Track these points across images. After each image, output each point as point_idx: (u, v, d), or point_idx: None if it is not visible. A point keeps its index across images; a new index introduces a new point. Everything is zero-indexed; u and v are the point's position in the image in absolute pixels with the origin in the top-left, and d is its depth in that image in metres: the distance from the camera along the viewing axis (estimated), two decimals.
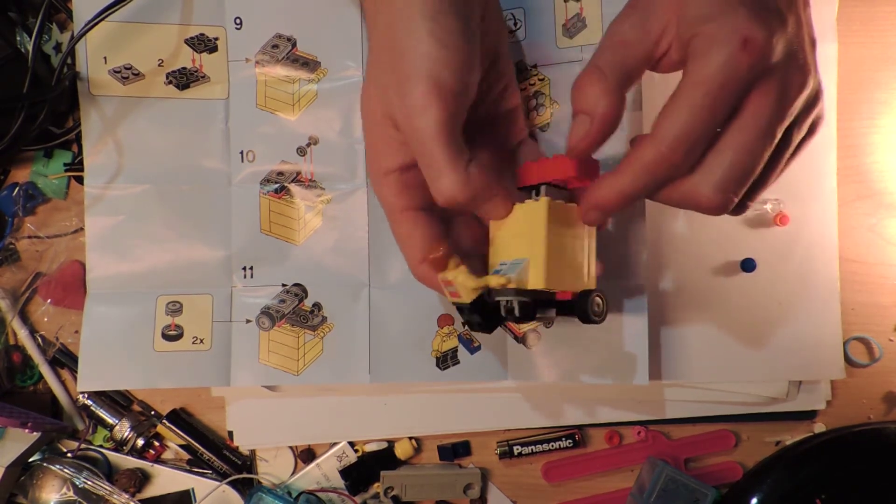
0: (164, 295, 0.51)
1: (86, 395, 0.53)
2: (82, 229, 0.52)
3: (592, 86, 0.35)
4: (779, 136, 0.35)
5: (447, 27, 0.36)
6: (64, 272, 0.53)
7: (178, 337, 0.50)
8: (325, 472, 0.54)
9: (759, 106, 0.34)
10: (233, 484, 0.53)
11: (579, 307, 0.39)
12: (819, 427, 0.54)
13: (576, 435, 0.54)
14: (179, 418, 0.54)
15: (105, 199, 0.51)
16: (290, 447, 0.54)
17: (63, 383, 0.54)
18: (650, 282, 0.51)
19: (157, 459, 0.54)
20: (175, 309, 0.51)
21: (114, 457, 0.53)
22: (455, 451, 0.55)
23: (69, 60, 0.50)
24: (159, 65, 0.51)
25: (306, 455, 0.54)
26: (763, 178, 0.37)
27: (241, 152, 0.51)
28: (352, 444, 0.54)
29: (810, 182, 0.53)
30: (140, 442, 0.53)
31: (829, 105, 0.53)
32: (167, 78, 0.51)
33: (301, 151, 0.51)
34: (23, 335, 0.53)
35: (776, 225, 0.52)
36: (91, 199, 0.51)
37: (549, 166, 0.39)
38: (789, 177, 0.52)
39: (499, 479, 0.55)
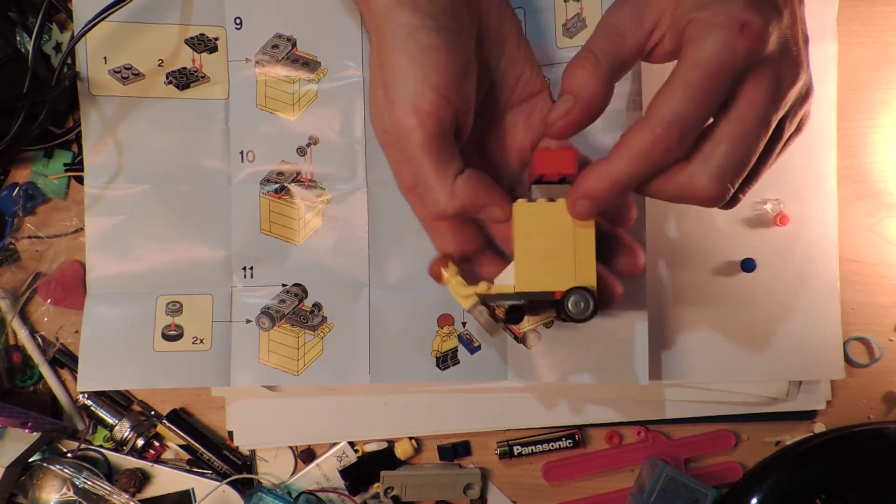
0: (164, 295, 0.51)
1: (86, 395, 0.53)
2: (82, 229, 0.52)
3: (584, 69, 0.35)
4: (773, 125, 0.35)
5: (424, 44, 0.35)
6: (64, 272, 0.53)
7: (178, 337, 0.50)
8: (325, 472, 0.54)
9: (754, 95, 0.34)
10: (233, 484, 0.53)
11: (559, 306, 0.38)
12: (819, 427, 0.54)
13: (576, 435, 0.54)
14: (179, 418, 0.54)
15: (105, 199, 0.51)
16: (290, 447, 0.54)
17: (63, 383, 0.54)
18: (650, 282, 0.51)
19: (157, 459, 0.54)
20: (175, 309, 0.51)
21: (114, 457, 0.53)
22: (455, 451, 0.55)
23: (69, 60, 0.50)
24: (159, 65, 0.51)
25: (306, 455, 0.54)
26: (755, 170, 0.37)
27: (241, 152, 0.51)
28: (352, 444, 0.54)
29: (810, 182, 0.53)
30: (140, 442, 0.53)
31: (829, 105, 0.53)
32: (167, 78, 0.51)
33: (301, 151, 0.51)
34: (23, 335, 0.53)
35: (776, 225, 0.52)
36: (91, 199, 0.51)
37: (536, 159, 0.38)
38: (789, 177, 0.52)
39: (499, 479, 0.55)
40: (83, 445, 0.53)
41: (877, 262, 0.55)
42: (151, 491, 0.53)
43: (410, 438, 0.54)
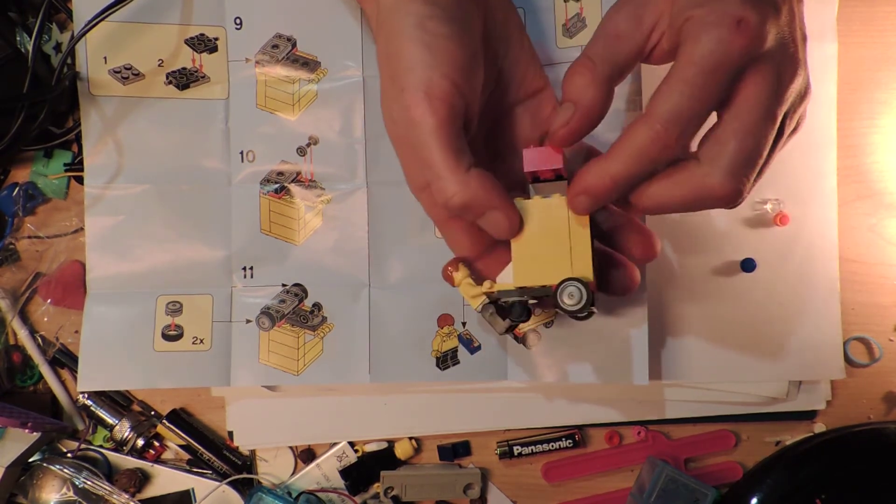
0: (164, 295, 0.51)
1: (86, 395, 0.53)
2: (82, 229, 0.52)
3: (582, 76, 0.35)
4: (779, 119, 0.35)
5: (434, 32, 0.36)
6: (64, 272, 0.53)
7: (178, 337, 0.50)
8: (325, 472, 0.54)
9: (755, 90, 0.34)
10: (233, 484, 0.53)
11: (553, 299, 0.38)
12: (819, 427, 0.54)
13: (576, 435, 0.54)
14: (179, 418, 0.54)
15: (105, 199, 0.51)
16: (290, 447, 0.54)
17: (63, 383, 0.54)
18: (650, 282, 0.51)
19: (157, 459, 0.54)
20: (175, 309, 0.51)
21: (114, 457, 0.53)
22: (455, 451, 0.55)
23: (69, 60, 0.50)
24: (159, 65, 0.51)
25: (306, 455, 0.54)
26: (762, 165, 0.36)
27: (241, 152, 0.51)
28: (352, 444, 0.54)
29: (810, 182, 0.52)
30: (140, 442, 0.53)
31: (828, 105, 0.53)
32: (167, 78, 0.51)
33: (301, 151, 0.51)
34: (23, 335, 0.53)
35: (776, 225, 0.52)
36: (91, 199, 0.51)
37: (524, 159, 0.38)
38: (789, 177, 0.52)
39: (499, 479, 0.55)
40: (83, 445, 0.53)
41: (877, 262, 0.55)
42: (151, 491, 0.53)
43: (410, 438, 0.54)
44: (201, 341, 0.50)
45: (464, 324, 0.50)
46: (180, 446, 0.54)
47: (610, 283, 0.41)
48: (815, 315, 0.52)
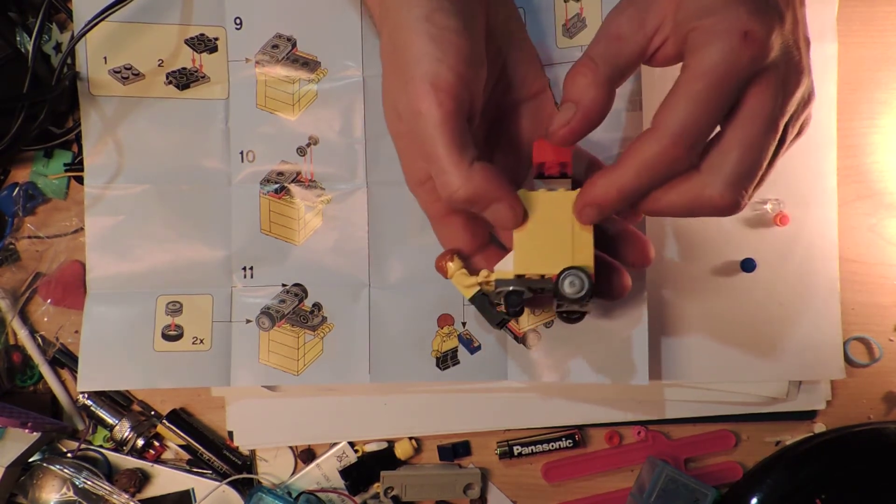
0: (164, 295, 0.51)
1: (86, 395, 0.53)
2: (82, 229, 0.52)
3: (584, 76, 0.35)
4: (781, 128, 0.35)
5: (441, 25, 0.36)
6: (64, 272, 0.53)
7: (178, 337, 0.50)
8: (325, 472, 0.54)
9: (759, 101, 0.34)
10: (233, 484, 0.53)
11: (554, 287, 0.38)
12: (819, 427, 0.54)
13: (576, 435, 0.54)
14: (179, 418, 0.54)
15: (105, 199, 0.51)
16: (290, 447, 0.54)
17: (63, 383, 0.54)
18: (650, 282, 0.51)
19: (157, 459, 0.54)
20: (175, 309, 0.51)
21: (114, 457, 0.53)
22: (455, 451, 0.55)
23: (69, 60, 0.50)
24: (159, 65, 0.51)
25: (306, 455, 0.54)
26: (763, 174, 0.37)
27: (241, 152, 0.51)
28: (352, 444, 0.54)
29: (810, 182, 0.53)
30: (140, 442, 0.53)
31: (828, 105, 0.53)
32: (167, 78, 0.51)
33: (301, 151, 0.51)
34: (23, 335, 0.53)
35: (776, 225, 0.52)
36: (91, 199, 0.51)
37: (534, 150, 0.39)
38: (789, 177, 0.52)
39: (499, 479, 0.55)
40: (83, 445, 0.53)
41: (877, 262, 0.55)
42: (151, 491, 0.53)
43: (410, 438, 0.54)
44: (201, 341, 0.50)
45: (464, 324, 0.50)
46: (180, 446, 0.54)
47: (603, 287, 0.41)
48: (815, 315, 0.52)
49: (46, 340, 0.54)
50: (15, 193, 0.53)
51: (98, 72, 0.50)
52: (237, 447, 0.54)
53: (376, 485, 0.54)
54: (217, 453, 0.53)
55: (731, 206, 0.35)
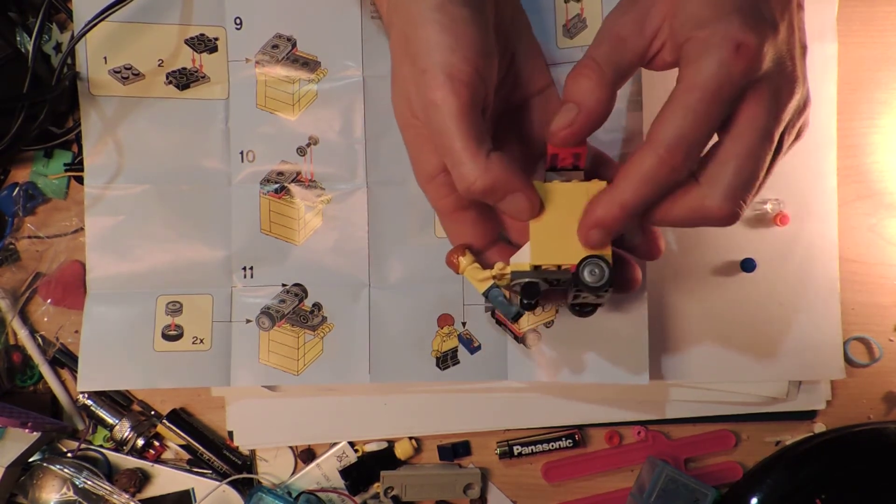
0: (164, 295, 0.51)
1: (86, 395, 0.53)
2: (82, 229, 0.52)
3: (587, 77, 0.35)
4: (776, 139, 0.35)
5: (455, 16, 0.36)
6: (64, 272, 0.53)
7: (178, 337, 0.50)
8: (325, 472, 0.54)
9: (754, 112, 0.34)
10: (233, 484, 0.53)
11: (574, 277, 0.38)
12: (819, 427, 0.54)
13: (576, 435, 0.54)
14: (179, 418, 0.54)
15: (105, 199, 0.51)
16: (290, 447, 0.54)
17: (63, 383, 0.54)
18: (650, 282, 0.51)
19: (157, 459, 0.54)
20: (175, 309, 0.51)
21: (114, 457, 0.53)
22: (455, 451, 0.55)
23: (69, 60, 0.50)
24: (159, 65, 0.51)
25: (306, 455, 0.54)
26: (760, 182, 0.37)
27: (241, 152, 0.51)
28: (352, 444, 0.54)
29: (810, 182, 0.53)
30: (140, 442, 0.53)
31: (828, 105, 0.53)
32: (167, 78, 0.51)
33: (301, 151, 0.51)
34: (23, 335, 0.53)
35: (776, 225, 0.52)
36: (91, 199, 0.51)
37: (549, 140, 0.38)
38: (789, 177, 0.52)
39: (499, 479, 0.55)
40: (83, 445, 0.53)
41: (877, 262, 0.55)
42: (151, 491, 0.53)
43: (410, 438, 0.54)
44: (201, 341, 0.50)
45: (464, 324, 0.50)
46: (180, 446, 0.54)
47: (634, 251, 0.41)
48: (815, 315, 0.52)
49: (46, 340, 0.54)
50: (15, 193, 0.53)
51: (98, 72, 0.50)
52: (237, 447, 0.54)
53: (376, 485, 0.54)
54: (217, 453, 0.53)
55: (729, 217, 0.35)
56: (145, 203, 0.51)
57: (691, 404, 0.54)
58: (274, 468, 0.54)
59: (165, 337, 0.50)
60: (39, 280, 0.53)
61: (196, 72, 0.51)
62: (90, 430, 0.54)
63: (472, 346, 0.50)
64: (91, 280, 0.51)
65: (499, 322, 0.50)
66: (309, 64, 0.51)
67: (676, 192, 0.36)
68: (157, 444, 0.54)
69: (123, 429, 0.53)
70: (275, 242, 0.51)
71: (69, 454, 0.53)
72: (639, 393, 0.53)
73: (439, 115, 0.35)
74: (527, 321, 0.50)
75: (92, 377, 0.50)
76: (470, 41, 0.36)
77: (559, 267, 0.38)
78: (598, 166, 0.42)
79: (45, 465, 0.51)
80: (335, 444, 0.54)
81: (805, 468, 0.51)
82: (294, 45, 0.51)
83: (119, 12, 0.48)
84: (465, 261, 0.41)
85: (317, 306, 0.51)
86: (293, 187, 0.51)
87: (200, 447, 0.53)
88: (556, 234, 0.38)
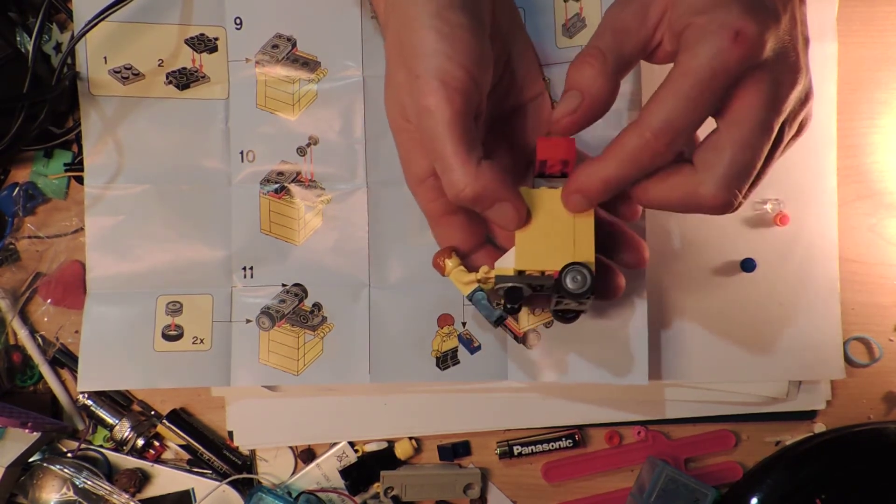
0: (164, 295, 0.51)
1: (86, 395, 0.53)
2: (82, 229, 0.52)
3: (591, 66, 0.35)
4: (776, 130, 0.35)
5: (452, 22, 0.36)
6: (64, 272, 0.53)
7: (178, 337, 0.50)
8: (325, 472, 0.54)
9: (751, 100, 0.34)
10: (233, 484, 0.53)
11: (556, 283, 0.38)
12: (819, 427, 0.54)
13: (576, 435, 0.54)
14: (179, 418, 0.54)
15: (105, 199, 0.51)
16: (290, 447, 0.54)
17: (63, 383, 0.54)
18: (650, 282, 0.51)
19: (157, 459, 0.54)
20: (175, 309, 0.51)
21: (114, 457, 0.53)
22: (455, 451, 0.55)
23: (69, 60, 0.50)
24: (159, 65, 0.51)
25: (306, 455, 0.54)
26: (758, 174, 0.37)
27: (241, 152, 0.51)
28: (352, 444, 0.54)
29: (810, 182, 0.53)
30: (140, 442, 0.53)
31: (828, 105, 0.53)
32: (167, 78, 0.51)
33: (301, 151, 0.51)
34: (23, 335, 0.53)
35: (776, 225, 0.52)
36: (91, 199, 0.51)
37: (538, 146, 0.38)
38: (789, 177, 0.52)
39: (499, 479, 0.55)
40: (83, 445, 0.53)
41: (877, 262, 0.55)
42: (151, 491, 0.53)
43: (410, 438, 0.54)
44: (201, 341, 0.50)
45: (464, 324, 0.50)
46: (180, 446, 0.54)
47: (598, 287, 0.41)
48: (815, 315, 0.52)
49: (46, 340, 0.54)
50: (15, 193, 0.53)
51: (98, 72, 0.50)
52: (237, 447, 0.54)
53: (376, 485, 0.54)
54: (217, 453, 0.53)
55: (723, 205, 0.35)
56: (145, 203, 0.51)
57: (691, 404, 0.54)
58: (274, 468, 0.54)
59: (165, 337, 0.50)
60: (39, 280, 0.53)
61: (196, 72, 0.51)
62: (90, 430, 0.54)
63: (472, 346, 0.50)
64: (91, 280, 0.51)
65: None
66: (309, 64, 0.51)
67: (671, 174, 0.36)
68: (157, 444, 0.54)
69: (123, 429, 0.53)
70: (275, 242, 0.51)
71: (69, 454, 0.53)
72: (639, 393, 0.53)
73: (432, 121, 0.35)
74: (527, 321, 0.50)
75: (92, 377, 0.50)
76: (466, 48, 0.36)
77: (543, 273, 0.39)
78: None
79: (45, 465, 0.51)
80: (335, 444, 0.54)
81: (805, 468, 0.51)
82: (294, 45, 0.51)
83: (119, 12, 0.48)
84: (451, 263, 0.41)
85: (317, 306, 0.51)
86: (293, 187, 0.51)
87: (200, 447, 0.53)
88: (541, 240, 0.39)
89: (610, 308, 0.49)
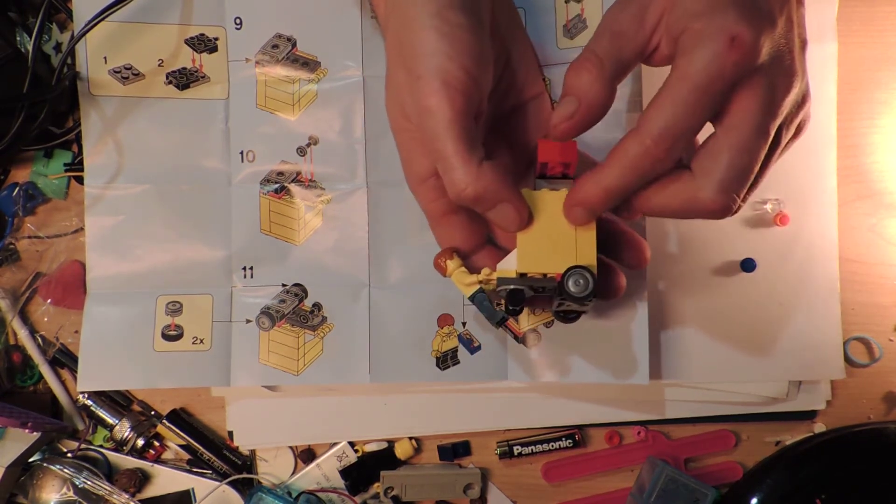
0: (164, 295, 0.51)
1: (86, 395, 0.53)
2: (82, 229, 0.52)
3: (588, 71, 0.35)
4: (772, 134, 0.35)
5: (453, 22, 0.36)
6: (64, 272, 0.53)
7: (178, 337, 0.50)
8: (325, 472, 0.54)
9: (749, 104, 0.34)
10: (233, 484, 0.53)
11: (559, 286, 0.38)
12: (819, 427, 0.54)
13: (576, 435, 0.54)
14: (179, 418, 0.54)
15: (105, 199, 0.51)
16: (290, 447, 0.54)
17: (63, 383, 0.54)
18: (650, 282, 0.51)
19: (157, 459, 0.54)
20: (175, 309, 0.51)
21: (114, 457, 0.53)
22: (455, 451, 0.55)
23: (69, 60, 0.50)
24: (159, 65, 0.51)
25: (306, 455, 0.54)
26: (756, 177, 0.37)
27: (241, 152, 0.51)
28: (352, 444, 0.54)
29: (810, 182, 0.53)
30: (140, 442, 0.53)
31: (828, 105, 0.53)
32: (167, 78, 0.51)
33: (301, 151, 0.51)
34: (23, 335, 0.53)
35: (776, 225, 0.52)
36: (91, 199, 0.51)
37: (539, 149, 0.38)
38: (789, 177, 0.52)
39: (499, 479, 0.55)
40: (83, 445, 0.53)
41: (877, 262, 0.55)
42: (151, 491, 0.53)
43: (410, 438, 0.54)
44: (201, 341, 0.50)
45: (464, 324, 0.50)
46: (180, 446, 0.54)
47: (599, 287, 0.41)
48: (815, 315, 0.52)
49: (46, 340, 0.54)
50: (15, 193, 0.53)
51: (98, 72, 0.50)
52: (237, 447, 0.54)
53: (376, 485, 0.54)
54: (217, 453, 0.53)
55: (722, 210, 0.35)
56: (145, 203, 0.51)
57: (691, 404, 0.54)
58: (274, 468, 0.54)
59: (165, 337, 0.50)
60: (39, 280, 0.53)
61: (196, 72, 0.51)
62: (90, 430, 0.54)
63: (472, 346, 0.50)
64: (91, 280, 0.51)
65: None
66: (309, 64, 0.51)
67: (670, 181, 0.36)
68: (157, 444, 0.54)
69: (123, 429, 0.53)
70: (275, 242, 0.51)
71: (69, 454, 0.53)
72: (639, 393, 0.53)
73: (433, 122, 0.35)
74: (527, 321, 0.50)
75: (92, 377, 0.50)
76: (467, 48, 0.36)
77: (545, 275, 0.39)
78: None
79: (45, 465, 0.51)
80: (335, 444, 0.54)
81: (805, 468, 0.51)
82: (294, 45, 0.51)
83: (119, 12, 0.48)
84: (452, 264, 0.41)
85: (317, 306, 0.51)
86: (293, 187, 0.51)
87: (200, 447, 0.53)
88: (543, 242, 0.39)
89: (610, 308, 0.49)
